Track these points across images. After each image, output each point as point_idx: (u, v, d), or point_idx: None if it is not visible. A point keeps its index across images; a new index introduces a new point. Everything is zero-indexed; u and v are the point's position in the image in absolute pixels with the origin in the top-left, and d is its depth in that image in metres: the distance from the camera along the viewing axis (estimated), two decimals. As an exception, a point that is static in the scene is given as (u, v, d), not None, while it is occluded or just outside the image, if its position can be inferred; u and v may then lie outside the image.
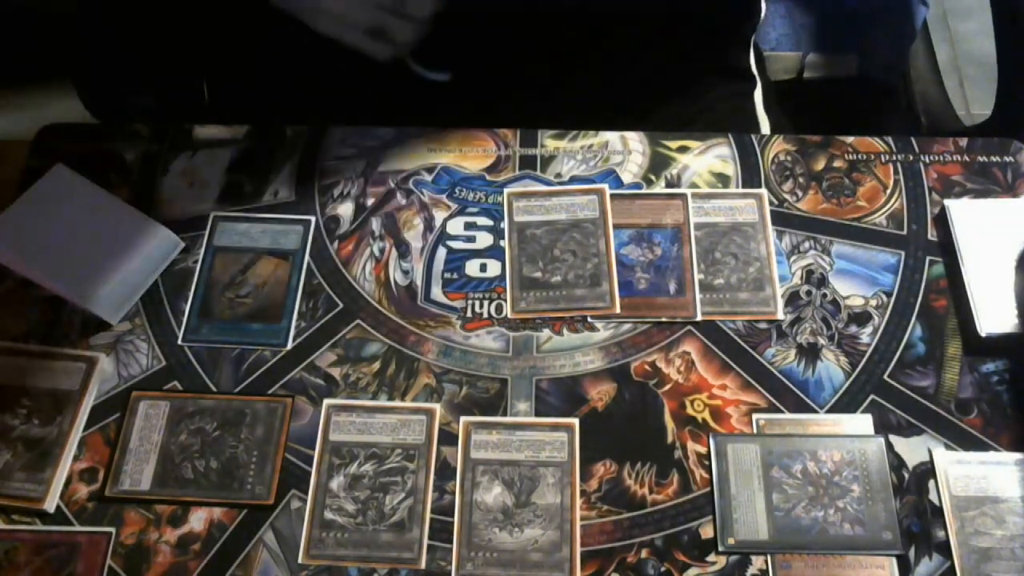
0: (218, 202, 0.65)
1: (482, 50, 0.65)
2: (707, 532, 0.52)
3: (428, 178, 0.66)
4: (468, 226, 0.64)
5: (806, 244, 0.62)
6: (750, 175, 0.65)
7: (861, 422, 0.55)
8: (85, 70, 0.81)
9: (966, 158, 0.65)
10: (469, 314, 0.60)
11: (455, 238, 0.63)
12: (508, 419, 0.56)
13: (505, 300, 0.60)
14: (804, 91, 0.65)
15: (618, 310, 0.59)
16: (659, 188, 0.64)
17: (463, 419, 0.56)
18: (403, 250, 0.63)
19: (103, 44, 0.79)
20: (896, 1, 0.83)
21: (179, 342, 0.59)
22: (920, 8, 0.83)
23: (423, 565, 0.52)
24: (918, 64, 0.89)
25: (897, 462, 0.54)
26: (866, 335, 0.58)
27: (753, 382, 0.57)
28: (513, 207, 0.64)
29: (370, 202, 0.65)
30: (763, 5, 0.77)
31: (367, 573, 0.52)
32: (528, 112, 0.69)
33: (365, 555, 0.52)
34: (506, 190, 0.64)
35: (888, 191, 0.64)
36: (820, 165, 0.65)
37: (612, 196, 0.64)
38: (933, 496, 0.53)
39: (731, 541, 0.52)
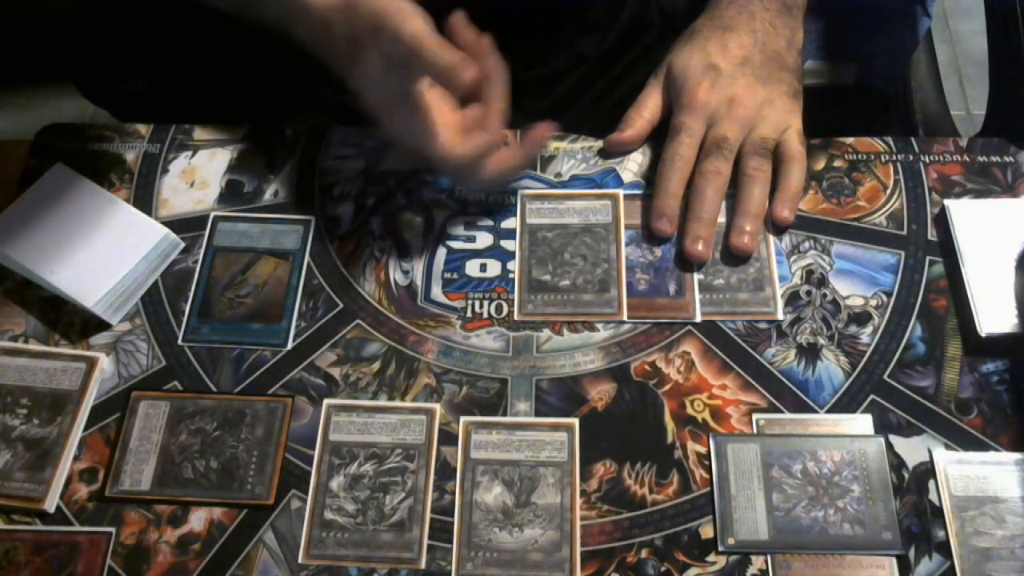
0: (218, 202, 0.65)
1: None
2: (707, 532, 0.52)
3: (428, 178, 0.66)
4: (468, 226, 0.64)
5: (806, 244, 0.62)
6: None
7: (861, 422, 0.55)
8: (80, 55, 0.81)
9: (966, 158, 0.65)
10: (469, 314, 0.60)
11: (455, 238, 0.63)
12: (508, 419, 0.56)
13: (505, 300, 0.60)
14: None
15: (625, 317, 0.59)
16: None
17: (463, 419, 0.56)
18: (403, 250, 0.63)
19: (99, 30, 0.78)
20: (898, 10, 0.82)
21: (179, 342, 0.59)
22: (923, 19, 0.82)
23: (423, 565, 0.52)
24: (919, 74, 0.88)
25: (897, 462, 0.54)
26: (866, 335, 0.58)
27: (753, 382, 0.57)
28: (526, 208, 0.63)
29: (370, 202, 0.65)
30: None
31: (367, 573, 0.52)
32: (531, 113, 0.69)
33: (365, 555, 0.52)
34: (520, 191, 0.64)
35: (888, 191, 0.64)
36: (820, 165, 0.65)
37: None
38: (933, 496, 0.53)
39: (731, 541, 0.52)
